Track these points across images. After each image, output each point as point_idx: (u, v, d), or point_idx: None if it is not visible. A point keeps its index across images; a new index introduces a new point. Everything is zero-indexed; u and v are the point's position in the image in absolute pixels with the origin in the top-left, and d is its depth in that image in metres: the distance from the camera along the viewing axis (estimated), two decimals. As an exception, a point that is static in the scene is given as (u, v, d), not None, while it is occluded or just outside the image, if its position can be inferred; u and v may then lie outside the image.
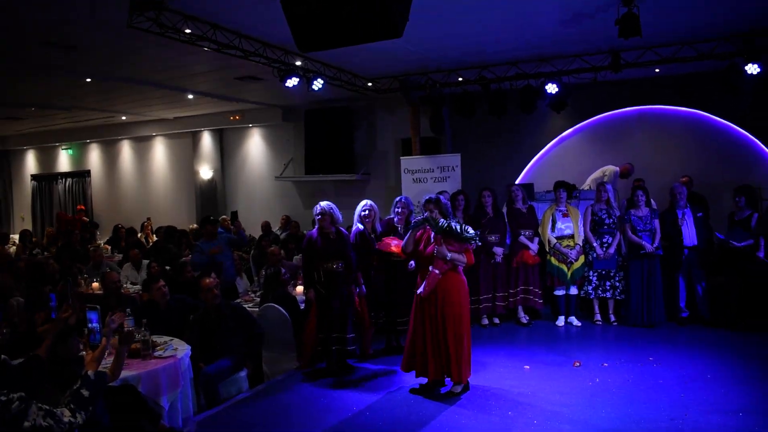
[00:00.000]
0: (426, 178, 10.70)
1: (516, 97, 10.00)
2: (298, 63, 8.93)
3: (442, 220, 5.45)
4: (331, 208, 6.28)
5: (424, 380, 5.73)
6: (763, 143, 10.06)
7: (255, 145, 14.95)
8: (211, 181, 15.26)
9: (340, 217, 6.39)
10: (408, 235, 5.64)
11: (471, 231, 5.44)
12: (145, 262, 9.83)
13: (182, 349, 5.34)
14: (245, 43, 7.83)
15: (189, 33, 7.11)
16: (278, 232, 12.62)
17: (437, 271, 5.40)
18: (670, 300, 7.95)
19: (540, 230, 8.05)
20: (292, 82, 8.68)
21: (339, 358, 6.36)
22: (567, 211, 8.00)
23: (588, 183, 9.82)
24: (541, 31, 8.03)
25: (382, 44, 8.16)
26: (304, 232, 11.87)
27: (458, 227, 5.37)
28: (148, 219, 14.60)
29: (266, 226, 12.52)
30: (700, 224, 7.83)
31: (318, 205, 6.31)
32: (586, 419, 4.97)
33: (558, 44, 8.71)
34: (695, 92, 10.28)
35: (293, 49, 8.26)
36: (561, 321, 8.07)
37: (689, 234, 7.75)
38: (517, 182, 10.82)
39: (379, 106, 12.78)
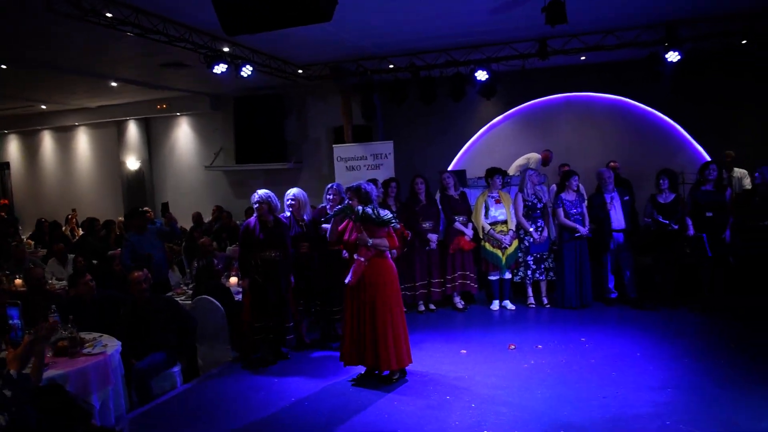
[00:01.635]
0: (359, 165, 10.67)
1: (446, 84, 10.08)
2: (226, 49, 8.72)
3: (358, 207, 5.50)
4: (269, 197, 6.20)
5: (362, 369, 5.73)
6: (684, 129, 10.47)
7: (183, 135, 14.59)
8: (138, 172, 14.80)
9: (279, 204, 6.33)
10: (330, 226, 5.70)
11: (387, 214, 5.52)
12: (71, 256, 9.48)
13: (112, 345, 5.16)
14: (170, 27, 7.60)
15: (110, 17, 6.83)
16: (210, 224, 12.35)
17: (362, 259, 5.45)
18: (597, 281, 8.18)
19: (473, 217, 8.12)
20: (219, 68, 8.47)
21: (276, 347, 6.29)
22: (499, 197, 8.09)
23: (513, 169, 9.99)
24: (470, 18, 8.09)
25: (312, 31, 8.10)
26: (237, 222, 11.73)
27: (372, 212, 5.43)
28: (73, 211, 14.04)
29: (197, 217, 12.24)
30: (627, 208, 8.06)
31: (256, 194, 6.20)
32: (521, 401, 5.06)
33: (487, 32, 8.82)
34: (619, 79, 10.63)
35: (220, 34, 8.04)
36: (495, 305, 8.19)
37: (617, 217, 7.95)
38: (449, 169, 10.92)
39: (311, 94, 12.66)
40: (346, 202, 5.68)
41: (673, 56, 8.45)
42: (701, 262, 7.60)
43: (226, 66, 8.57)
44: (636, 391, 5.18)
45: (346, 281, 5.51)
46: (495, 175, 8.11)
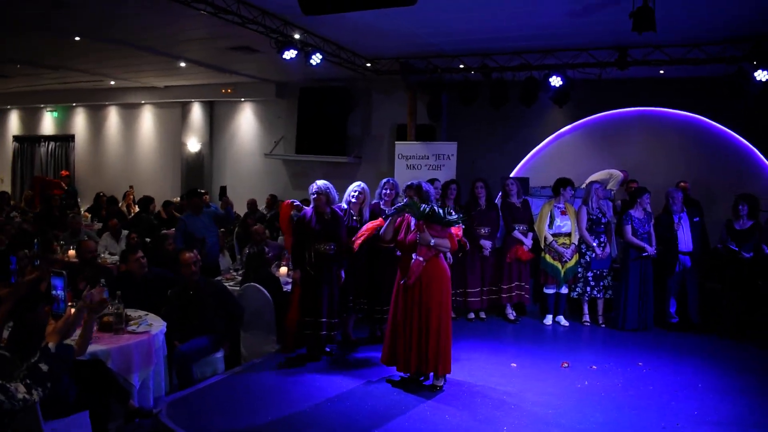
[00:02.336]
0: (420, 165, 10.45)
1: (517, 88, 9.77)
2: (297, 36, 8.58)
3: (423, 204, 5.30)
4: (328, 188, 6.03)
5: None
6: (762, 153, 9.93)
7: (246, 120, 14.62)
8: (198, 154, 14.91)
9: (337, 196, 6.17)
10: (387, 222, 5.45)
11: (453, 214, 5.30)
12: (125, 232, 9.57)
13: (157, 325, 5.10)
14: (243, 9, 7.51)
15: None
16: (264, 212, 12.34)
17: (421, 258, 5.22)
18: (659, 304, 7.79)
19: (536, 226, 7.82)
20: (289, 54, 8.36)
21: (322, 343, 6.14)
22: (565, 208, 7.79)
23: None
24: (548, 20, 7.80)
25: (384, 23, 7.98)
26: (292, 212, 11.66)
27: (441, 210, 5.22)
28: (131, 188, 14.23)
29: (252, 204, 12.24)
30: (697, 229, 7.67)
31: (315, 184, 6.05)
32: (574, 423, 4.78)
33: (564, 36, 8.50)
34: (697, 97, 10.15)
35: (293, 20, 7.98)
36: (549, 320, 7.88)
37: (685, 239, 7.57)
38: (511, 176, 10.63)
39: (376, 89, 12.52)
40: (404, 200, 5.47)
41: (762, 75, 7.97)
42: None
43: (296, 52, 8.45)
44: (697, 424, 4.85)
45: (402, 282, 5.31)
46: (567, 187, 7.79)
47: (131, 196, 13.83)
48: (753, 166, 10.05)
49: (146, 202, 11.68)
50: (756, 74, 8.00)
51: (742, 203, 7.49)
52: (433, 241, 5.20)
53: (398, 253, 6.24)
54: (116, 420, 4.43)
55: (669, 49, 8.46)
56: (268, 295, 6.28)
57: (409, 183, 5.57)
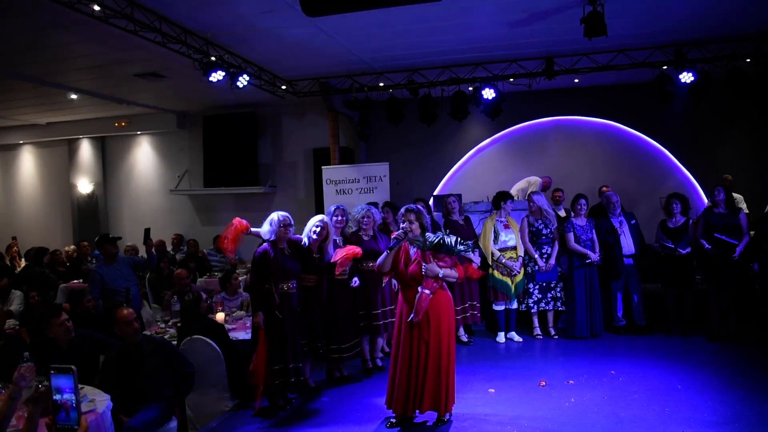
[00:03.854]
0: (351, 189, 9.96)
1: (444, 104, 9.54)
2: (213, 58, 7.87)
3: (430, 234, 4.81)
4: (289, 218, 5.52)
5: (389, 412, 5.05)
6: (672, 155, 10.31)
7: (144, 155, 13.57)
8: (91, 196, 13.64)
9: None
10: (387, 253, 4.86)
11: (461, 242, 4.83)
12: (17, 292, 8.35)
13: (101, 400, 4.32)
14: (165, 26, 6.78)
15: (99, 10, 6.01)
16: (172, 253, 11.39)
17: (428, 291, 4.75)
18: (606, 309, 7.76)
19: (481, 242, 7.57)
20: (216, 76, 7.74)
21: (291, 391, 5.57)
22: (507, 222, 7.60)
23: (513, 193, 9.52)
24: (481, 34, 7.69)
25: (313, 40, 7.53)
26: (204, 250, 10.83)
27: (451, 240, 4.75)
28: (13, 239, 12.72)
29: (161, 246, 11.26)
30: (635, 232, 7.71)
31: (281, 215, 5.50)
32: (588, 446, 4.49)
33: (494, 48, 8.42)
34: (611, 104, 10.46)
35: (215, 39, 7.33)
36: (501, 337, 7.65)
37: (627, 243, 7.60)
38: (435, 193, 10.46)
39: (287, 113, 12.02)
40: (402, 225, 4.90)
41: (686, 77, 8.27)
42: (715, 289, 7.25)
43: (224, 74, 7.84)
44: (698, 427, 4.75)
45: (409, 318, 4.79)
46: (507, 200, 7.60)
47: (15, 249, 12.34)
48: (666, 167, 10.42)
49: (39, 254, 10.45)
50: (681, 77, 8.26)
51: (675, 201, 7.58)
52: (441, 272, 4.75)
53: (354, 282, 5.80)
54: None
55: (595, 55, 8.53)
56: (217, 347, 5.57)
57: (407, 206, 5.02)
